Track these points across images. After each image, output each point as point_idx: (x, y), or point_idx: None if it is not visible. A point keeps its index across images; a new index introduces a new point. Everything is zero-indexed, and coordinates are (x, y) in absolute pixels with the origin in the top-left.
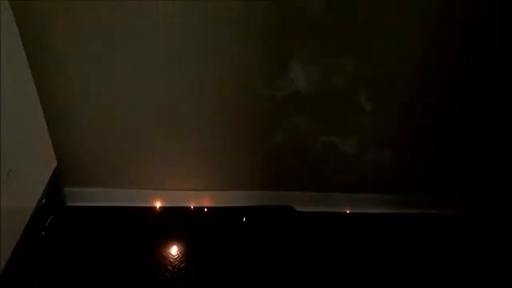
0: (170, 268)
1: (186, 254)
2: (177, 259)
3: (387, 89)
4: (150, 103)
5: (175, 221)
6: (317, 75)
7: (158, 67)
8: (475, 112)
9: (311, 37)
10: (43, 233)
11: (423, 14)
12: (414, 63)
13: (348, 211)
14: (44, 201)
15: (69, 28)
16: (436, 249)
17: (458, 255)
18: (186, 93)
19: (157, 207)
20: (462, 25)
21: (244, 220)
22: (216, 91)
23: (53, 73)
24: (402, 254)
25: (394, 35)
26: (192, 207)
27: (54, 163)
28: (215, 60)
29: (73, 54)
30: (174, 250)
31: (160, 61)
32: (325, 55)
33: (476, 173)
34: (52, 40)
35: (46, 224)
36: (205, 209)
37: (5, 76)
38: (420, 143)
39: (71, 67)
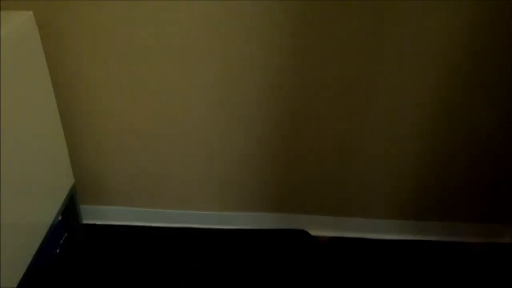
0: None
1: (197, 276)
2: (188, 280)
3: (405, 115)
4: (167, 124)
5: (188, 242)
6: None
7: (177, 89)
8: (493, 138)
9: None
10: (58, 250)
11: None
12: (434, 89)
13: (363, 237)
14: (60, 218)
15: (92, 48)
16: (451, 278)
17: (474, 284)
18: (202, 114)
19: (171, 228)
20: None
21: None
22: (230, 112)
23: (75, 93)
24: (416, 282)
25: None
26: (205, 228)
27: (71, 180)
28: (231, 84)
29: (96, 74)
30: (185, 271)
31: (179, 85)
32: None
33: (495, 203)
34: (76, 60)
35: (61, 241)
36: (218, 231)
37: (28, 94)
38: (438, 169)
39: (93, 87)
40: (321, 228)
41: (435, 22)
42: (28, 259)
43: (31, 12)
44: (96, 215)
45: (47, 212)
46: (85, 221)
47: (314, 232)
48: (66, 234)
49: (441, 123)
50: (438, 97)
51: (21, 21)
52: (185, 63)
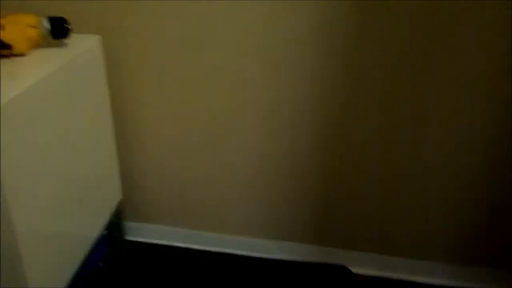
0: None
1: None
2: None
3: (461, 149)
4: (214, 148)
5: (223, 268)
6: None
7: (228, 116)
8: None
9: None
10: (100, 264)
11: None
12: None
13: (409, 279)
14: (105, 232)
15: (149, 76)
16: None
17: None
18: (248, 141)
19: (209, 251)
20: None
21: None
22: (276, 140)
23: (130, 114)
24: None
25: None
26: (243, 255)
27: (119, 196)
28: (280, 113)
29: (149, 96)
30: None
31: (230, 112)
32: None
33: None
34: (133, 85)
35: (104, 255)
36: (255, 259)
37: (88, 112)
38: (496, 215)
39: (147, 110)
40: (364, 265)
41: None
42: (73, 269)
43: (99, 37)
44: (139, 232)
45: (94, 226)
46: (128, 238)
47: (355, 269)
48: (109, 249)
49: (498, 160)
50: (494, 129)
51: (89, 44)
52: (238, 90)
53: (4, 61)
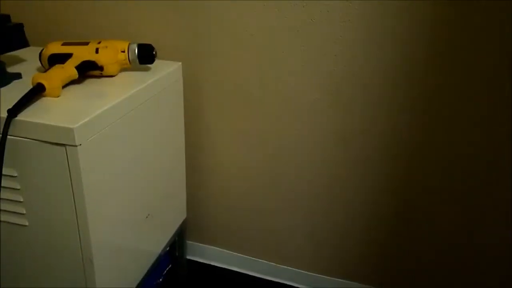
0: None
1: None
2: None
3: None
4: (280, 179)
5: None
6: None
7: (295, 145)
8: None
9: None
10: (160, 280)
11: None
12: None
13: None
14: (167, 249)
15: (219, 102)
16: None
17: None
18: (315, 173)
19: (266, 279)
20: None
21: None
22: (342, 176)
23: (200, 138)
24: None
25: None
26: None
27: (184, 215)
28: (350, 146)
29: (220, 125)
30: None
31: (298, 141)
32: None
33: None
34: (204, 110)
35: (165, 272)
36: None
37: (164, 133)
38: None
39: (216, 135)
40: None
41: None
42: (135, 283)
43: (180, 63)
44: (199, 253)
45: (158, 242)
46: (188, 257)
47: None
48: (170, 266)
49: None
50: None
51: (171, 69)
52: (306, 120)
53: (95, 81)
